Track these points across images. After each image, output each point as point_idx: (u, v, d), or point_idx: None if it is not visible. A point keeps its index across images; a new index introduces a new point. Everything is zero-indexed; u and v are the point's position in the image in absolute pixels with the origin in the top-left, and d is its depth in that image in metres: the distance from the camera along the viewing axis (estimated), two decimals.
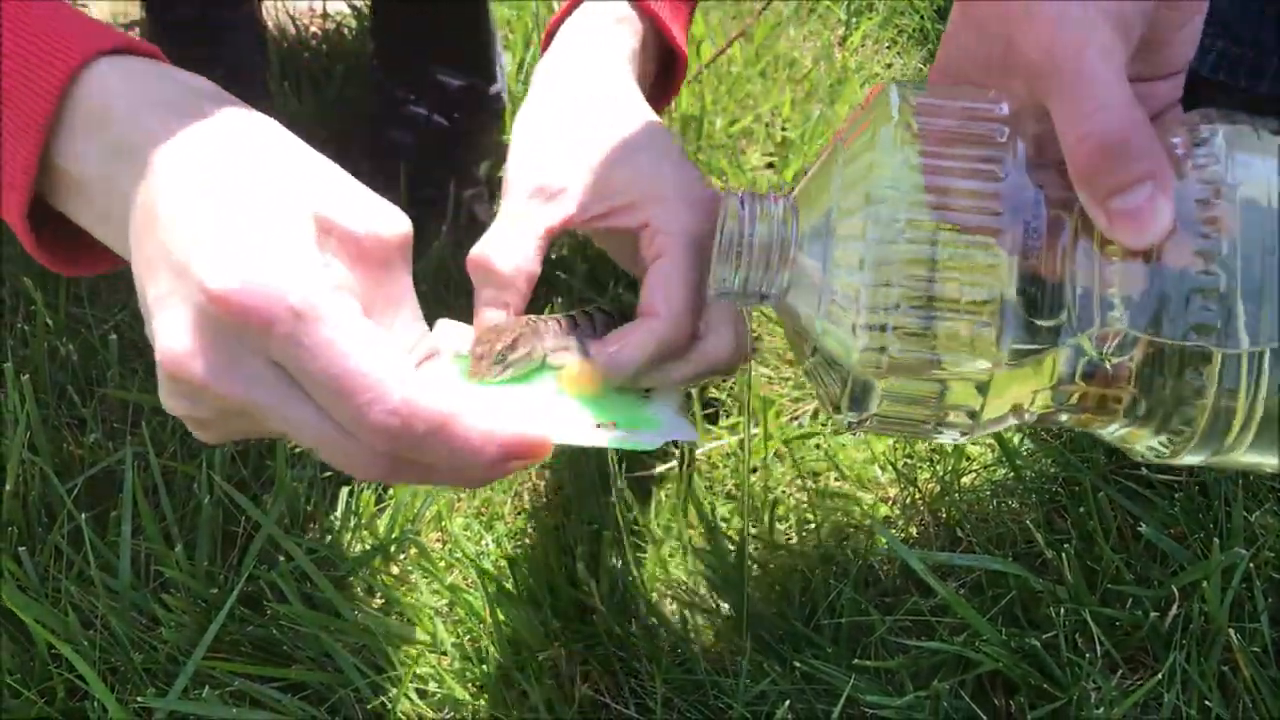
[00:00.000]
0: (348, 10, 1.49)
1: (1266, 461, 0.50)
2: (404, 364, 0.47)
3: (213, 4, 1.27)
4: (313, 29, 1.48)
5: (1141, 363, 0.49)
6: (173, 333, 0.46)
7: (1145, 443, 0.52)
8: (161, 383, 0.47)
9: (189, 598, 0.78)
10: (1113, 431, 0.53)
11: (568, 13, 0.70)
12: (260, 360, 0.46)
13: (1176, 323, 0.47)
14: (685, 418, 0.62)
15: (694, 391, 0.90)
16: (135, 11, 1.54)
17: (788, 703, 0.68)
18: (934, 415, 0.52)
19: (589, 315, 0.65)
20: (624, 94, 0.67)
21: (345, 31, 1.46)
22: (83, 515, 0.80)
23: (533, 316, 0.62)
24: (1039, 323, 0.49)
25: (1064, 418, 0.53)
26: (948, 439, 0.55)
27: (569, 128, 0.65)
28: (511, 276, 0.62)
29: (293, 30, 1.45)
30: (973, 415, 0.51)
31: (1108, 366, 0.50)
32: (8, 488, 0.84)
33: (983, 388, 0.50)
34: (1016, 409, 0.52)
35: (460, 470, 0.50)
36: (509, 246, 0.62)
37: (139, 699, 0.73)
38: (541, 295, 1.05)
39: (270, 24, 1.42)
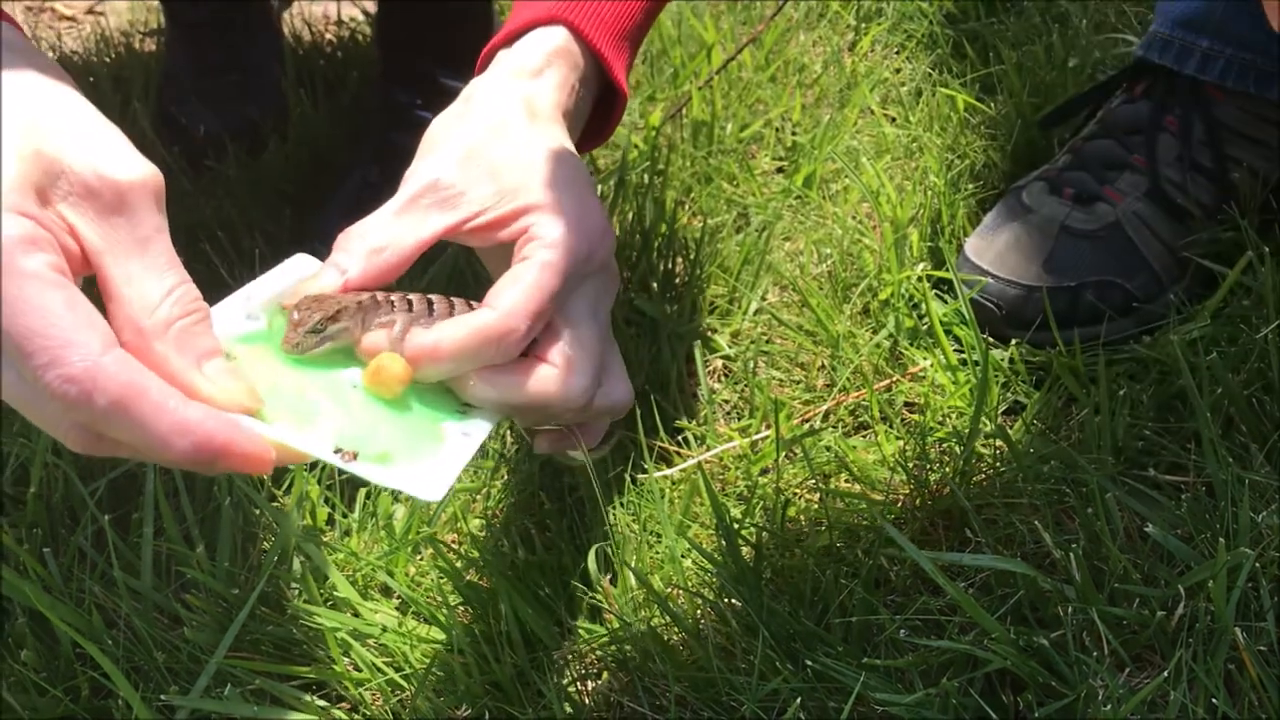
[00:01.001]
0: (362, 17, 1.50)
1: None
2: (100, 329, 0.44)
3: (231, 9, 1.29)
4: (328, 35, 1.49)
5: None
6: None
7: None
8: None
9: (210, 598, 0.79)
10: None
11: (506, 39, 0.69)
12: None
13: None
14: (466, 455, 0.55)
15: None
16: (154, 20, 1.56)
17: (799, 700, 0.68)
18: None
19: (450, 303, 0.59)
20: (542, 120, 0.66)
21: (360, 38, 1.47)
22: (105, 517, 0.81)
23: (378, 294, 0.58)
24: None
25: None
26: None
27: (476, 141, 0.63)
28: (365, 251, 0.59)
29: (308, 36, 1.46)
30: None
31: None
32: (32, 490, 0.85)
33: None
34: None
35: (161, 458, 0.46)
36: (385, 231, 0.60)
37: (162, 697, 0.74)
38: None
39: (286, 30, 1.44)
